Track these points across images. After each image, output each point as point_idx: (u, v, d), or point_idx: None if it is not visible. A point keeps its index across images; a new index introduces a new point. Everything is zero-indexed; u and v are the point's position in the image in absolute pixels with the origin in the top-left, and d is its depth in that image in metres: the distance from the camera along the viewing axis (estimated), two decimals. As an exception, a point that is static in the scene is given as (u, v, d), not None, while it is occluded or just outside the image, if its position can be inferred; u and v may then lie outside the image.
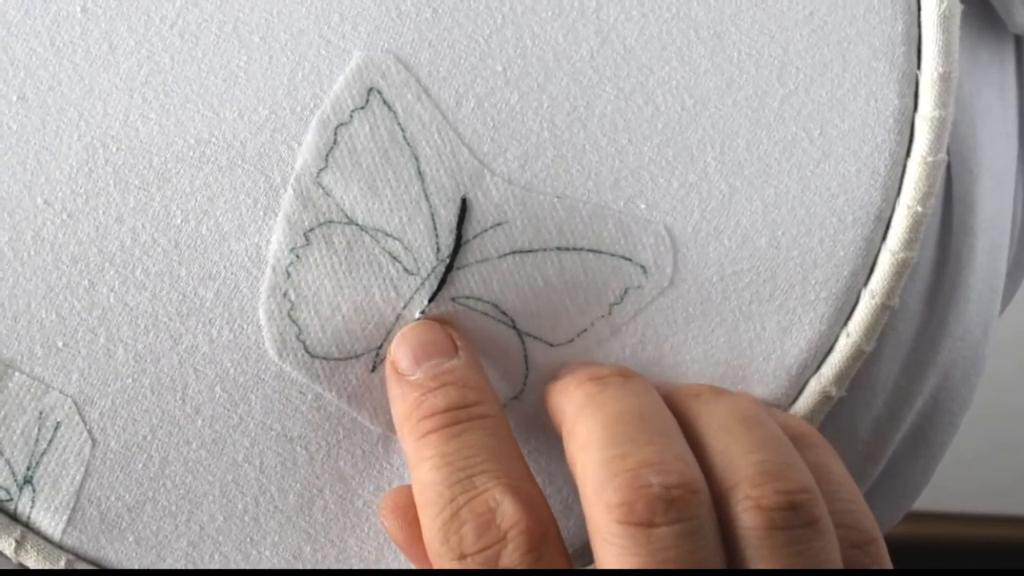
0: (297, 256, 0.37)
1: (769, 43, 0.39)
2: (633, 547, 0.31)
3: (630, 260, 0.38)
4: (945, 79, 0.39)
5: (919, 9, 0.39)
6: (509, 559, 0.32)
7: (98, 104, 0.37)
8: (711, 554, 0.31)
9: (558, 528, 0.34)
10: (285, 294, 0.37)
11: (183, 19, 0.37)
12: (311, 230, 0.37)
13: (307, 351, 0.37)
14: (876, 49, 0.39)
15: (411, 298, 0.37)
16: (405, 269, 0.37)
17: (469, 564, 0.32)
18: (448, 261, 0.37)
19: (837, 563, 0.33)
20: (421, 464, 0.34)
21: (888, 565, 0.35)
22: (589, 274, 0.37)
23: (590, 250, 0.38)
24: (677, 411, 0.35)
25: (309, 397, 0.37)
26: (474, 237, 0.37)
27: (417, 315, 0.37)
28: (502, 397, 0.37)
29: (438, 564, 0.33)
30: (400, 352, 0.36)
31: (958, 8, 0.39)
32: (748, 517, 0.32)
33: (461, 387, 0.35)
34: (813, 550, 0.32)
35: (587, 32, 0.38)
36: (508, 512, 0.32)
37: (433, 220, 0.37)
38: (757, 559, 0.32)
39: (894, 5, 0.39)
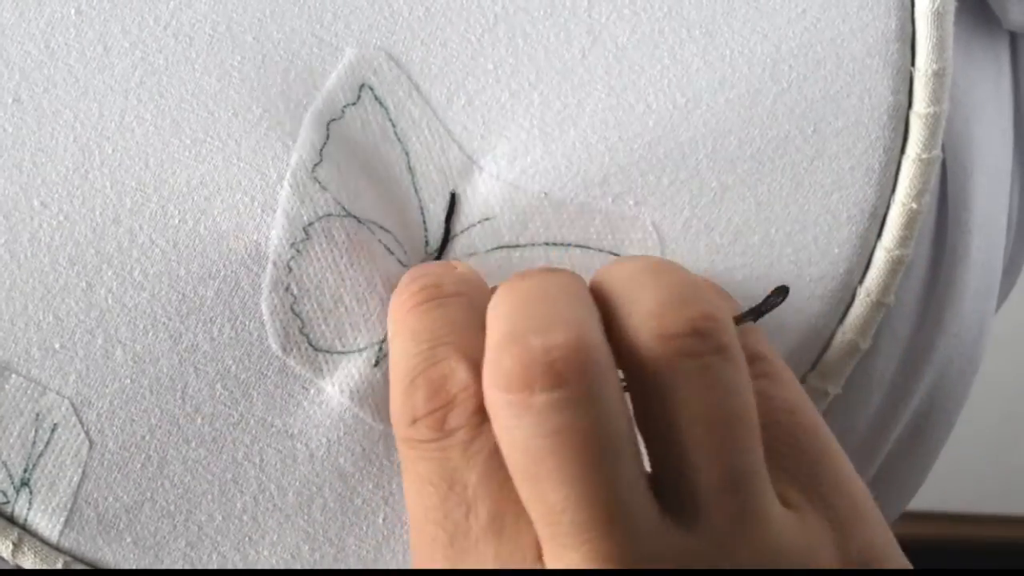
0: (298, 250, 0.37)
1: (761, 41, 0.39)
2: (515, 417, 0.29)
3: (617, 255, 0.38)
4: (939, 76, 0.39)
5: (913, 5, 0.39)
6: (455, 419, 0.31)
7: (93, 106, 0.37)
8: (610, 423, 0.29)
9: None
10: (287, 288, 0.37)
11: (177, 20, 0.37)
12: (310, 224, 0.37)
13: (311, 344, 0.37)
14: (869, 46, 0.39)
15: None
16: (399, 261, 0.37)
17: (419, 427, 0.32)
18: (437, 255, 0.37)
19: (750, 394, 0.31)
20: (393, 340, 0.34)
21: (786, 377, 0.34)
22: (576, 270, 0.38)
23: (577, 246, 0.38)
24: (598, 288, 0.33)
25: (311, 392, 0.37)
26: (462, 231, 0.37)
27: None
28: None
29: (397, 433, 0.33)
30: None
31: (952, 4, 0.39)
32: (653, 347, 0.31)
33: (439, 274, 0.35)
34: (724, 380, 0.31)
35: (579, 31, 0.38)
36: (460, 377, 0.32)
37: (423, 214, 0.37)
38: (665, 392, 0.31)
39: (887, 1, 0.39)
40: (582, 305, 0.32)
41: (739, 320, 0.35)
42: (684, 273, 0.33)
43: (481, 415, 0.31)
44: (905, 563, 0.33)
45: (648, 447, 0.31)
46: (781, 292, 0.36)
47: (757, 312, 0.36)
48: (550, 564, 0.30)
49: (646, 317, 0.31)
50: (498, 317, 0.32)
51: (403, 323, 0.34)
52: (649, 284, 0.32)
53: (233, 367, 0.37)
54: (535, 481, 0.30)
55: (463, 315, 0.33)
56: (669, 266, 0.33)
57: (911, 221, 0.39)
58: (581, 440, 0.29)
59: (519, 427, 0.30)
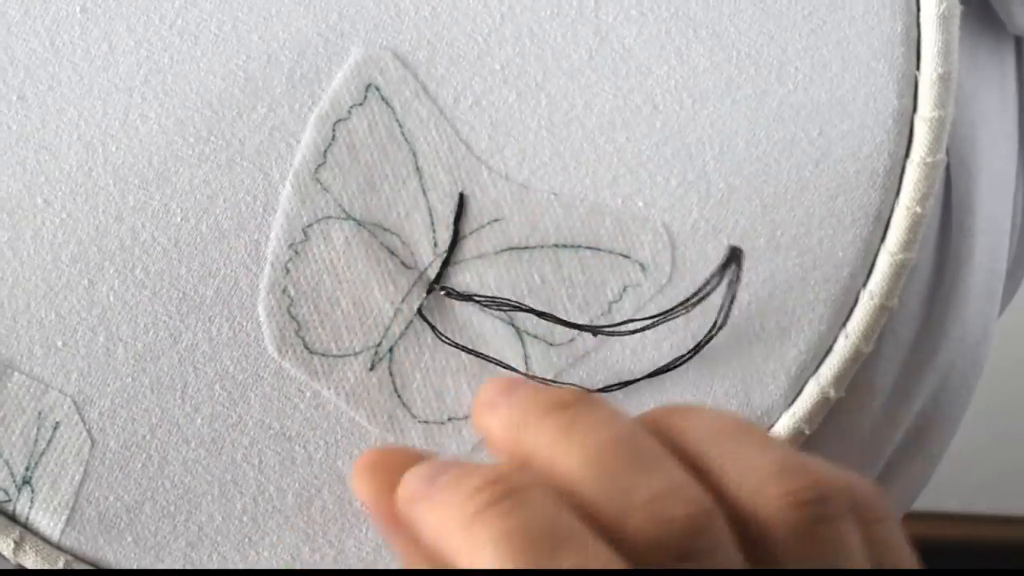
0: (296, 252, 0.37)
1: (768, 43, 0.39)
2: None
3: (628, 257, 0.38)
4: (944, 80, 0.39)
5: (918, 9, 0.39)
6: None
7: (97, 103, 0.37)
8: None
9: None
10: (284, 290, 0.37)
11: (182, 19, 0.37)
12: (309, 226, 0.37)
13: (306, 347, 0.37)
14: (875, 49, 0.39)
15: (408, 292, 0.37)
16: (403, 263, 0.37)
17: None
18: (445, 256, 0.37)
19: (861, 549, 0.29)
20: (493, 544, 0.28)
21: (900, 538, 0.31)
22: (587, 272, 0.37)
23: (588, 247, 0.38)
24: (657, 432, 0.31)
25: (308, 395, 0.37)
26: (471, 233, 0.37)
27: (415, 309, 0.37)
28: None
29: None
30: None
31: (957, 9, 0.39)
32: (783, 516, 0.29)
33: (501, 473, 0.29)
34: (846, 543, 0.29)
35: (586, 31, 0.38)
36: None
37: (430, 215, 0.37)
38: (794, 555, 0.29)
39: (893, 5, 0.39)
40: (671, 457, 0.29)
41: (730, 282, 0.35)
42: (761, 429, 0.32)
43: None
44: None
45: None
46: (735, 255, 0.35)
47: (732, 283, 0.36)
48: None
49: (766, 481, 0.29)
50: (586, 482, 0.28)
51: (479, 532, 0.28)
52: (750, 440, 0.30)
53: (231, 368, 0.37)
54: None
55: (554, 506, 0.28)
56: (745, 419, 0.32)
57: (915, 225, 0.39)
58: None
59: None
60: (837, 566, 0.29)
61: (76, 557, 0.37)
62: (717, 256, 0.38)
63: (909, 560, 0.31)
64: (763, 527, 0.29)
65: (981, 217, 0.41)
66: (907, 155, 0.39)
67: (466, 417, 0.37)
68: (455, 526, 0.28)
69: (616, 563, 0.27)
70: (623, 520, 0.28)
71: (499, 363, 0.37)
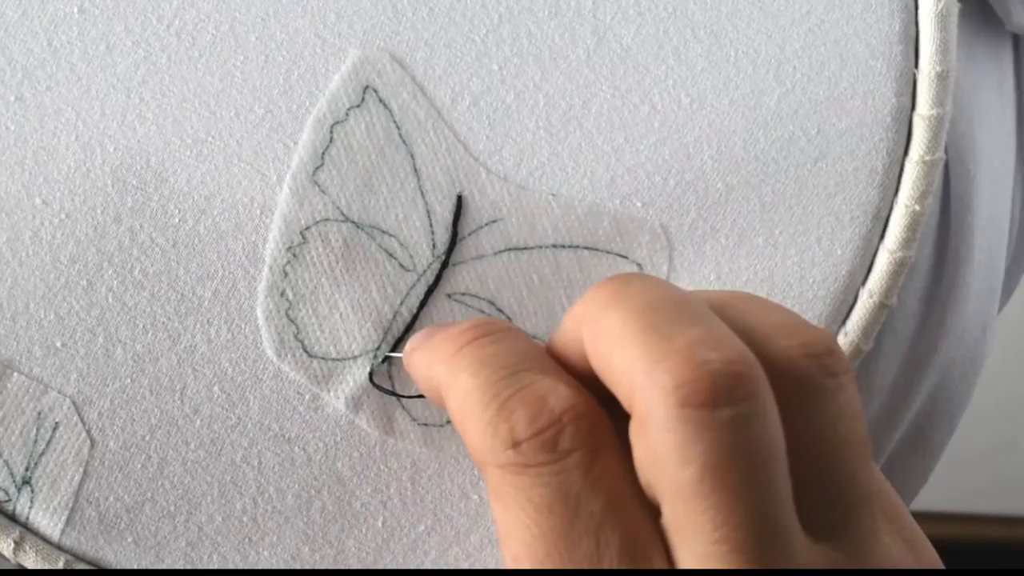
0: (294, 255, 0.37)
1: (766, 42, 0.39)
2: (696, 433, 0.28)
3: (626, 258, 0.38)
4: (943, 78, 0.39)
5: (916, 7, 0.39)
6: (569, 441, 0.29)
7: (95, 104, 0.37)
8: (774, 439, 0.29)
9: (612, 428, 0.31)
10: (283, 293, 0.37)
11: (180, 19, 0.37)
12: (307, 228, 0.37)
13: (305, 351, 0.37)
14: (873, 48, 0.39)
15: (407, 294, 0.37)
16: (401, 266, 0.37)
17: (525, 451, 0.30)
18: (444, 257, 0.37)
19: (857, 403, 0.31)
20: (457, 376, 0.31)
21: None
22: (585, 272, 0.37)
23: (586, 248, 0.38)
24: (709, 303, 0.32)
25: (307, 398, 0.37)
26: (469, 234, 0.37)
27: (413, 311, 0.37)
28: None
29: (492, 461, 0.30)
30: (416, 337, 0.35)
31: (955, 7, 0.39)
32: (802, 365, 0.30)
33: (484, 319, 0.33)
34: (857, 401, 0.30)
35: (584, 31, 0.38)
36: (563, 395, 0.30)
37: (429, 217, 0.37)
38: (814, 409, 0.30)
39: (891, 3, 0.39)
40: (716, 316, 0.30)
41: None
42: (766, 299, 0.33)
43: (595, 436, 0.30)
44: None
45: (790, 461, 0.30)
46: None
47: None
48: None
49: (787, 335, 0.30)
50: (631, 334, 0.30)
51: (462, 358, 0.32)
52: (767, 307, 0.32)
53: (230, 370, 0.37)
54: (703, 497, 0.28)
55: (528, 344, 0.32)
56: (749, 294, 0.33)
57: (914, 223, 0.39)
58: (760, 455, 0.29)
59: (699, 442, 0.28)
60: (841, 417, 0.30)
61: (76, 557, 0.37)
62: (715, 257, 0.38)
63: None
64: (787, 376, 0.30)
65: (980, 215, 0.41)
66: (906, 153, 0.39)
67: None
68: (441, 360, 0.32)
69: (571, 394, 0.30)
70: (659, 363, 0.29)
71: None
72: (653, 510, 0.30)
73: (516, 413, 0.30)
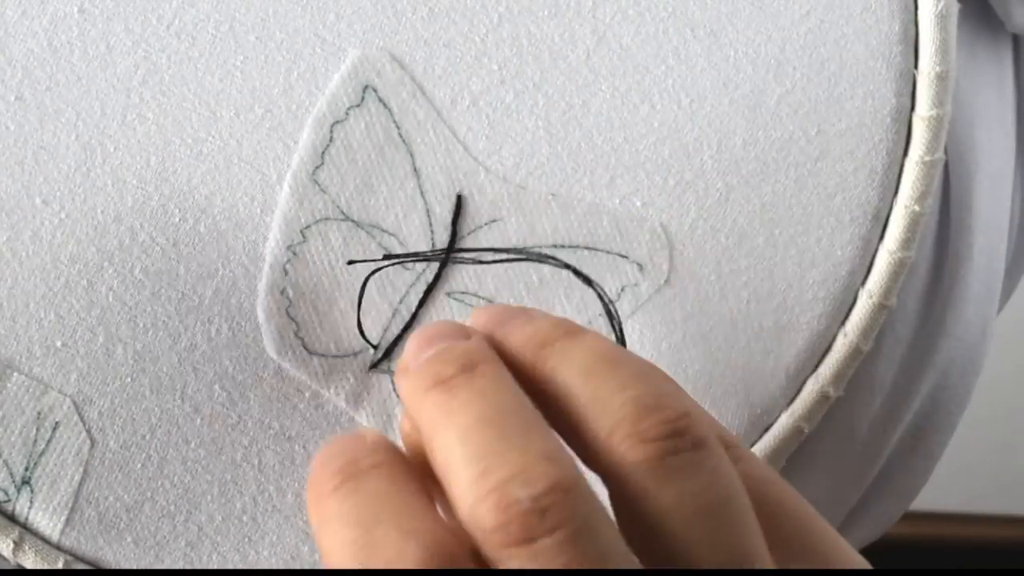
0: (294, 253, 0.37)
1: (766, 42, 0.39)
2: (524, 564, 0.28)
3: (626, 257, 0.38)
4: (942, 78, 0.39)
5: (916, 8, 0.39)
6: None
7: (95, 104, 0.37)
8: (607, 544, 0.29)
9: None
10: (283, 291, 0.37)
11: (180, 19, 0.37)
12: (307, 227, 0.37)
13: (305, 348, 0.37)
14: (873, 48, 0.39)
15: (407, 292, 0.37)
16: (401, 264, 0.37)
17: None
18: (444, 256, 0.37)
19: (736, 478, 0.30)
20: (320, 532, 0.30)
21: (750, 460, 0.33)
22: (585, 271, 0.38)
23: (586, 247, 0.38)
24: (535, 369, 0.32)
25: (307, 395, 0.37)
26: (469, 233, 0.37)
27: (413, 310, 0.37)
28: None
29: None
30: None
31: (955, 7, 0.39)
32: (634, 454, 0.30)
33: (351, 449, 0.31)
34: (708, 469, 0.30)
35: (583, 31, 0.38)
36: (411, 554, 0.29)
37: (428, 216, 0.37)
38: (653, 496, 0.29)
39: (891, 4, 0.39)
40: (539, 427, 0.30)
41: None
42: (638, 362, 0.32)
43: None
44: None
45: (643, 548, 0.30)
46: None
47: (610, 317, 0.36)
48: None
49: (620, 423, 0.30)
50: (454, 465, 0.30)
51: (326, 510, 0.30)
52: (610, 380, 0.31)
53: (231, 368, 0.37)
54: None
55: (386, 486, 0.30)
56: (621, 355, 0.32)
57: (913, 223, 0.39)
58: (597, 563, 0.28)
59: (529, 571, 0.28)
60: (688, 494, 0.29)
61: (76, 557, 0.37)
62: (715, 257, 0.38)
63: (791, 493, 0.32)
64: (618, 467, 0.30)
65: (979, 215, 0.41)
66: (905, 154, 0.39)
67: None
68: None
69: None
70: (478, 506, 0.29)
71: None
72: None
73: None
